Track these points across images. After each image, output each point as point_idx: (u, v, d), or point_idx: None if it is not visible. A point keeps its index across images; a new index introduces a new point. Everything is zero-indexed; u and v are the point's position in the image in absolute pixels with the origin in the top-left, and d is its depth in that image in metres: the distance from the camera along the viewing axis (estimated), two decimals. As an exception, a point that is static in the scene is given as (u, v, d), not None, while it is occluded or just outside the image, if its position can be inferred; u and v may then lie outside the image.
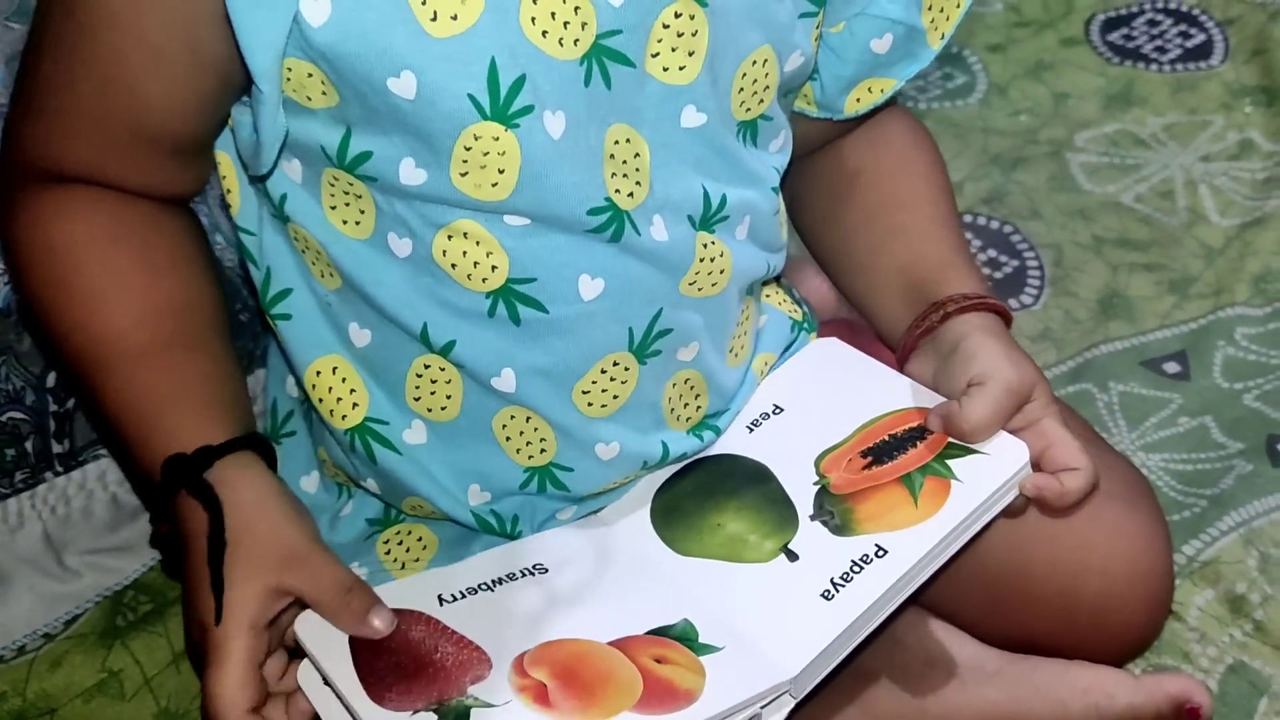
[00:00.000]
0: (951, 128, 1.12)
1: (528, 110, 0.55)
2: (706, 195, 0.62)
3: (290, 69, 0.54)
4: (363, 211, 0.59)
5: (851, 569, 0.60)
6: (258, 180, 0.60)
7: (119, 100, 0.57)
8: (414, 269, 0.59)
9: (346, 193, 0.58)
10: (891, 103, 0.72)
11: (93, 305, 0.61)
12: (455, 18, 0.53)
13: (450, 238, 0.58)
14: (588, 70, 0.56)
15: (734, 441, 0.69)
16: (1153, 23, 1.20)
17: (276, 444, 0.69)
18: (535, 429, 0.63)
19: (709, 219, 0.63)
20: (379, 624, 0.57)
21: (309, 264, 0.62)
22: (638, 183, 0.59)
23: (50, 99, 0.58)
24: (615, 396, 0.63)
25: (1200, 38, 1.18)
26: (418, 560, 0.65)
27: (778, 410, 0.70)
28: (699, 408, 0.67)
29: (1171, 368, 0.91)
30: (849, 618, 0.58)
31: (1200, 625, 0.75)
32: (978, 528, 0.62)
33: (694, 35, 0.58)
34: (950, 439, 0.64)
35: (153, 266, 0.62)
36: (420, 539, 0.66)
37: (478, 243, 0.58)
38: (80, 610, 0.77)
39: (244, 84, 0.57)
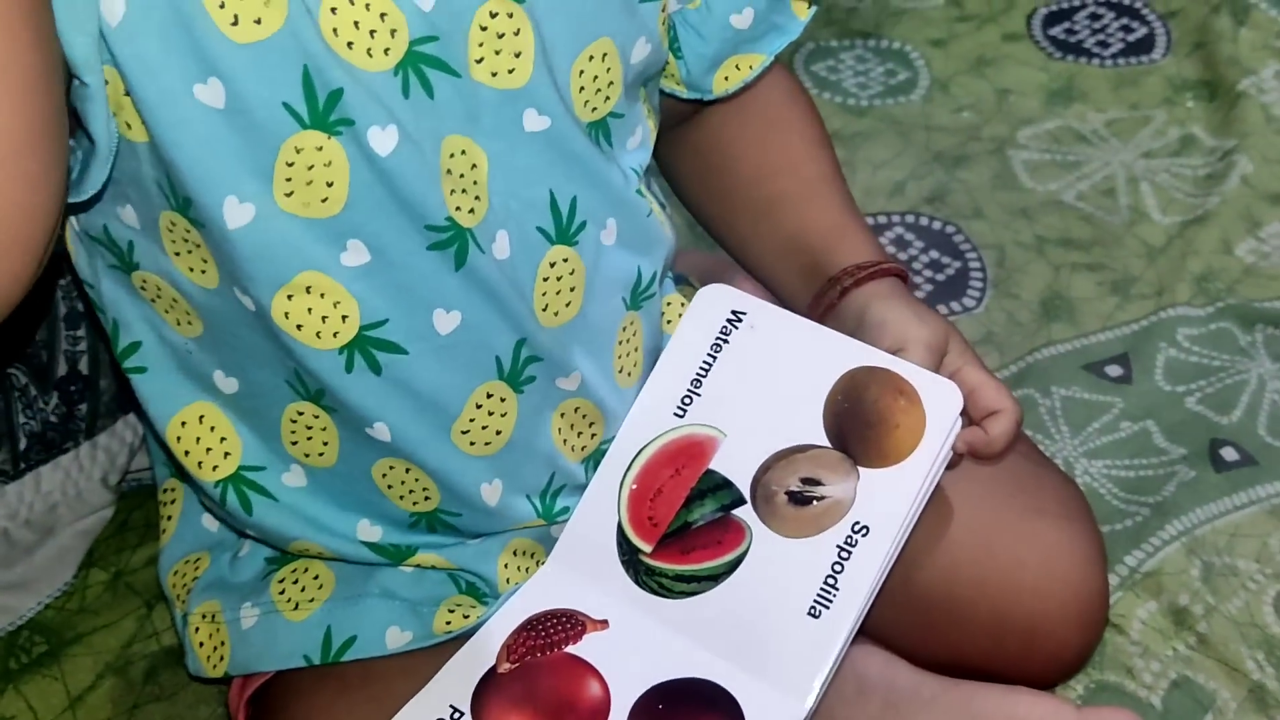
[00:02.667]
0: (894, 125, 1.10)
1: (349, 123, 0.51)
2: (554, 202, 0.58)
3: (109, 80, 0.50)
4: (205, 260, 0.55)
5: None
6: (83, 208, 0.55)
7: None
8: (265, 328, 0.55)
9: (185, 239, 0.54)
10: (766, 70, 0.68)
11: None
12: (259, 22, 0.49)
13: (291, 297, 0.54)
14: (404, 81, 0.52)
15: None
16: (1095, 16, 1.18)
17: (183, 480, 0.66)
18: (416, 479, 0.60)
19: (566, 229, 0.59)
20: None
21: (161, 313, 0.58)
22: (476, 197, 0.56)
23: None
24: (498, 432, 0.60)
25: (1142, 31, 1.16)
26: (312, 600, 0.62)
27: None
28: (594, 435, 0.64)
29: (1114, 371, 0.89)
30: (856, 609, 0.58)
31: (1143, 639, 0.73)
32: (936, 478, 0.61)
33: (516, 35, 0.54)
34: None
35: None
36: (316, 576, 0.63)
37: (323, 295, 0.54)
38: (-27, 652, 0.73)
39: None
